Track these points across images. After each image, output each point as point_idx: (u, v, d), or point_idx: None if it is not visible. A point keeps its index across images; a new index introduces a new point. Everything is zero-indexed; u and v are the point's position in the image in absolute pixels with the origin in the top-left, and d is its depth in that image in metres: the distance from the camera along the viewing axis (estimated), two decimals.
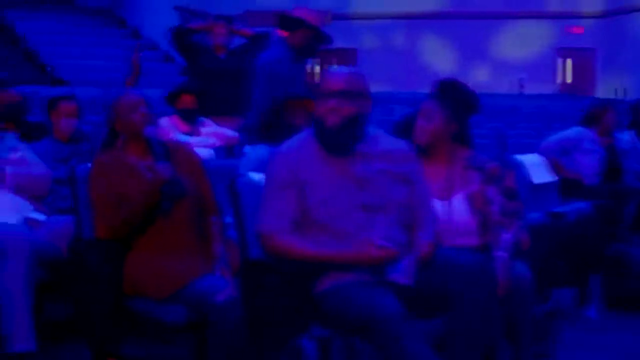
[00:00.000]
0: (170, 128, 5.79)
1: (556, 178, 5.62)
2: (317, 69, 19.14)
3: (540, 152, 5.82)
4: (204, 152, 5.38)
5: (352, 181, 3.07)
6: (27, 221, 3.90)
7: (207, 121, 6.04)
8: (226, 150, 5.91)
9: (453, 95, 3.58)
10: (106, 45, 15.56)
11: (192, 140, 5.65)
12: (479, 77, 19.13)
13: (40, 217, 3.95)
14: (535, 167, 5.18)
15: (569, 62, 21.08)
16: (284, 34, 5.28)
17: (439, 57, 19.78)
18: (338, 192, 3.04)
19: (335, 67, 3.33)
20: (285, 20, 5.24)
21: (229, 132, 6.03)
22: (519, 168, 5.00)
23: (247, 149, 4.98)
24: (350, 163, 3.09)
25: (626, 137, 6.46)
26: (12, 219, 3.85)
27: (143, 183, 3.40)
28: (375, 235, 2.96)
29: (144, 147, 3.55)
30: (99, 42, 15.93)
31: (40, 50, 15.41)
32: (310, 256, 2.99)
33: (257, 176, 3.41)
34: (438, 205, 3.43)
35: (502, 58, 20.25)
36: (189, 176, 3.54)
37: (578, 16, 20.56)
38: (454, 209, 3.47)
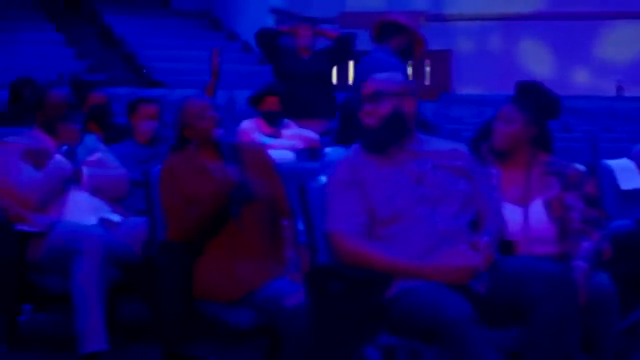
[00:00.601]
0: (253, 130, 5.79)
1: None
2: (410, 70, 19.02)
3: (632, 157, 5.62)
4: (285, 155, 5.36)
5: (409, 177, 3.06)
6: (103, 222, 3.94)
7: (290, 123, 6.02)
8: (309, 153, 5.88)
9: (533, 98, 3.49)
10: (202, 48, 15.75)
11: (274, 142, 5.64)
12: (578, 79, 18.74)
13: (116, 218, 3.99)
14: (625, 172, 4.98)
15: None
16: (376, 39, 5.28)
17: (536, 59, 19.39)
18: (397, 189, 3.04)
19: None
20: (382, 25, 5.24)
21: (311, 135, 6.00)
22: (608, 173, 4.83)
23: (328, 151, 4.96)
24: (404, 161, 3.09)
25: None
26: (88, 219, 3.89)
27: (212, 185, 3.39)
28: (460, 240, 2.92)
29: (214, 150, 3.54)
30: (195, 44, 16.16)
31: (139, 52, 15.73)
32: (385, 265, 2.94)
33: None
34: (516, 211, 3.33)
35: (603, 60, 19.75)
36: (261, 179, 3.51)
37: None
38: (532, 216, 3.36)
